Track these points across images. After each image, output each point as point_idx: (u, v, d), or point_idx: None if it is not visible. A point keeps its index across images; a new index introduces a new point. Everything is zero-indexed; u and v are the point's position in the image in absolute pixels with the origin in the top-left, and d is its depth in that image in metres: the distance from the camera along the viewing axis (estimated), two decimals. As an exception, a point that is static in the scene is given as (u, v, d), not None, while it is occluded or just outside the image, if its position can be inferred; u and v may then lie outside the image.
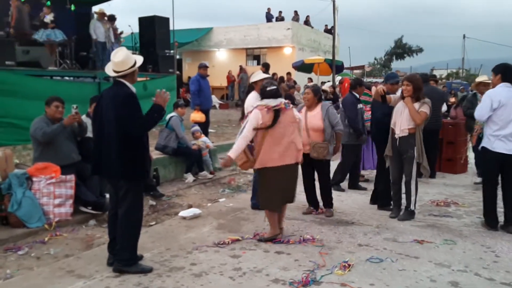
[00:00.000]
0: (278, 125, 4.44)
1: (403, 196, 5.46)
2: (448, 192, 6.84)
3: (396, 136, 5.26)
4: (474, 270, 3.89)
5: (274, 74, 14.49)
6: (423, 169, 5.32)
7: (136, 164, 3.74)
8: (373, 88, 5.70)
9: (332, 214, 5.50)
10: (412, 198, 5.29)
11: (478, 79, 7.63)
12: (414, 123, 5.13)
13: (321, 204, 5.66)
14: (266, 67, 12.15)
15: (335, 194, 5.92)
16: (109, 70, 3.80)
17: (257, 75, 5.73)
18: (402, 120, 5.20)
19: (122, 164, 3.65)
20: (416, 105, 5.15)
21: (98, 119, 3.81)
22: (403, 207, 5.48)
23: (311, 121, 5.39)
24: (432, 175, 7.98)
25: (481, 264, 4.03)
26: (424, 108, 5.15)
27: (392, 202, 5.59)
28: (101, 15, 11.89)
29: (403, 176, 5.34)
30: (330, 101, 9.42)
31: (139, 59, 3.87)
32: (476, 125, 6.63)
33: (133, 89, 3.78)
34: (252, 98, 5.60)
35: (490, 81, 6.52)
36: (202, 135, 8.17)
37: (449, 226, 5.14)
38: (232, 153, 4.44)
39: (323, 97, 7.46)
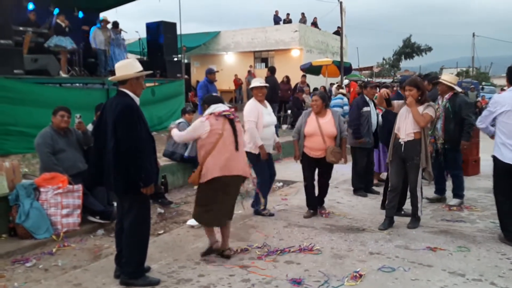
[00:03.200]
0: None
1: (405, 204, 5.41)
2: (460, 196, 6.69)
3: (401, 141, 5.07)
4: (489, 279, 3.77)
5: (285, 76, 14.42)
6: (427, 174, 5.17)
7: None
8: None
9: (326, 210, 5.81)
10: (419, 205, 5.15)
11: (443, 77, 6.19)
12: (419, 127, 4.99)
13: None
14: (271, 71, 12.09)
15: (346, 199, 6.42)
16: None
17: (255, 81, 5.71)
18: (407, 124, 5.03)
19: (124, 178, 3.54)
20: (420, 108, 5.00)
21: (102, 129, 3.65)
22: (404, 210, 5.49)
23: (326, 127, 5.52)
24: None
25: (496, 273, 3.91)
26: (429, 110, 5.00)
27: (385, 211, 5.27)
28: (104, 22, 11.96)
29: (408, 183, 5.16)
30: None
31: (138, 68, 3.68)
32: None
33: (136, 99, 3.66)
34: (248, 105, 5.62)
35: (444, 81, 5.96)
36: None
37: (462, 232, 5.02)
38: None
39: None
